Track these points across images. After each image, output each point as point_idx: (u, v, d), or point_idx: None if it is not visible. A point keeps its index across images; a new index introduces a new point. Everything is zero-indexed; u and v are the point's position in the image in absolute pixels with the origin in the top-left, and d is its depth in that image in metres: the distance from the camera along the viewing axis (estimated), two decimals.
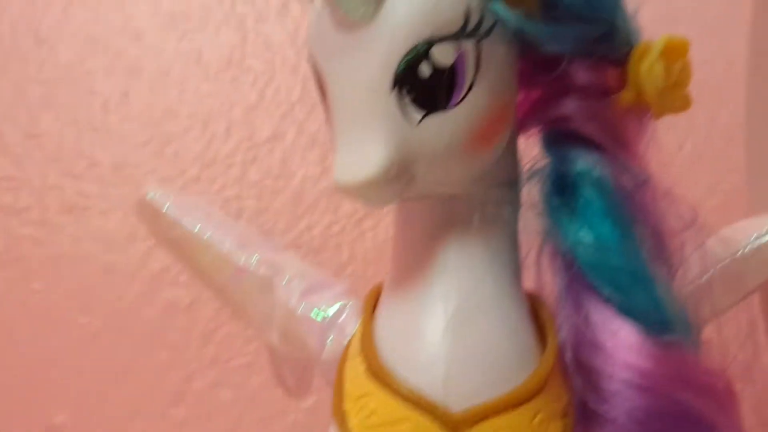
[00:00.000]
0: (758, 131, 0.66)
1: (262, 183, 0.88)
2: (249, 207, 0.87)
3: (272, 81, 0.89)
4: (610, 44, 0.43)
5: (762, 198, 0.65)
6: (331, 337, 0.47)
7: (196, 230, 0.51)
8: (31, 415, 0.86)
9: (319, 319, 0.48)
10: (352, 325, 0.46)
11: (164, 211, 0.52)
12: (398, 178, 0.39)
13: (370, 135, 0.38)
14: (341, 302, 0.48)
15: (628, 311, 0.41)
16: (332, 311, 0.48)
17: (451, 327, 0.41)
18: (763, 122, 0.66)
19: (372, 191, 0.39)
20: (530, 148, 0.45)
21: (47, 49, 0.89)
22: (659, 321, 0.41)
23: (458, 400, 0.40)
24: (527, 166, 0.44)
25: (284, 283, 0.49)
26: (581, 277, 0.42)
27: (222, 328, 0.85)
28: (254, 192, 0.88)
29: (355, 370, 0.43)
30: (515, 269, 0.44)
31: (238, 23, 0.90)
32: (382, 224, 0.85)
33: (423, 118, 0.39)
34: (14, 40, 0.89)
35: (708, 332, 0.45)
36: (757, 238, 0.50)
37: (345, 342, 0.46)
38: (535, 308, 0.44)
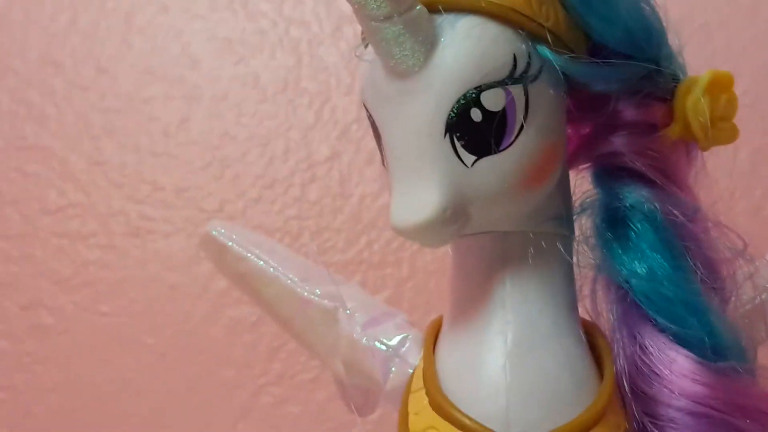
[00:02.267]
0: None
1: (321, 202, 0.89)
2: (309, 226, 0.89)
3: (328, 102, 0.90)
4: (656, 81, 0.44)
5: None
6: (393, 368, 0.48)
7: (260, 264, 0.53)
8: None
9: (382, 349, 0.49)
10: (413, 356, 0.48)
11: (229, 245, 0.53)
12: (454, 219, 0.40)
13: (425, 179, 0.40)
14: (403, 333, 0.49)
15: (682, 340, 0.43)
16: (394, 342, 0.49)
17: (511, 360, 0.42)
18: None
19: (429, 233, 0.40)
20: (581, 183, 0.46)
21: (108, 79, 0.91)
22: (713, 348, 0.42)
23: (520, 430, 0.42)
24: (578, 201, 0.45)
25: (347, 314, 0.50)
26: (636, 307, 0.43)
27: (287, 344, 0.87)
28: (314, 211, 0.89)
29: (419, 403, 0.44)
30: (571, 301, 0.45)
31: (292, 46, 0.91)
32: None
33: (476, 161, 0.40)
34: (76, 70, 0.91)
35: (762, 357, 0.46)
36: None
37: (408, 372, 0.47)
38: (591, 338, 0.45)
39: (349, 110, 0.90)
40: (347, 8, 0.85)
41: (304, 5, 0.92)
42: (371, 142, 0.87)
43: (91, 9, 0.92)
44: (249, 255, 0.53)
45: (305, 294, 0.52)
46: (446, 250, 0.84)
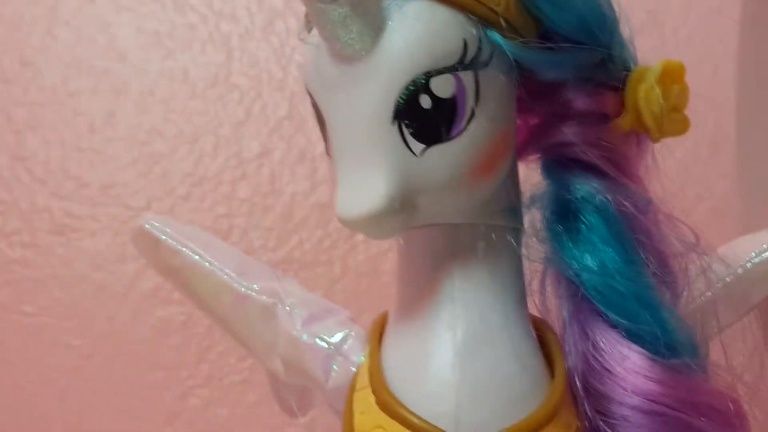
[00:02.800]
0: (749, 136, 0.67)
1: (251, 200, 0.88)
2: (239, 224, 0.87)
3: (259, 98, 0.89)
4: (608, 70, 0.43)
5: (754, 204, 0.66)
6: (335, 365, 0.47)
7: (196, 258, 0.51)
8: None
9: (323, 346, 0.47)
10: (356, 354, 0.46)
11: (163, 239, 0.52)
12: (402, 209, 0.39)
13: (372, 168, 0.38)
14: (344, 330, 0.48)
15: (635, 336, 0.42)
16: (336, 339, 0.48)
17: (460, 357, 0.41)
18: (754, 127, 0.66)
19: (376, 224, 0.39)
20: (530, 174, 0.45)
21: (32, 72, 0.89)
22: (666, 344, 0.42)
23: (470, 430, 0.40)
24: (528, 193, 0.44)
25: (287, 310, 0.49)
26: (587, 302, 0.42)
27: (216, 345, 0.85)
28: (244, 209, 0.87)
29: (365, 401, 0.43)
30: (521, 296, 0.44)
31: (222, 41, 0.89)
32: None
33: (425, 150, 0.39)
34: None
35: (714, 353, 0.45)
36: (756, 255, 0.50)
37: (351, 370, 0.46)
38: (541, 334, 0.44)
39: (280, 106, 0.89)
40: (279, 3, 0.85)
41: (235, 0, 0.90)
42: (302, 139, 0.86)
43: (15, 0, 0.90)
44: (183, 249, 0.51)
45: (242, 289, 0.50)
46: (378, 250, 0.84)
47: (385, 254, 0.85)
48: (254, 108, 0.89)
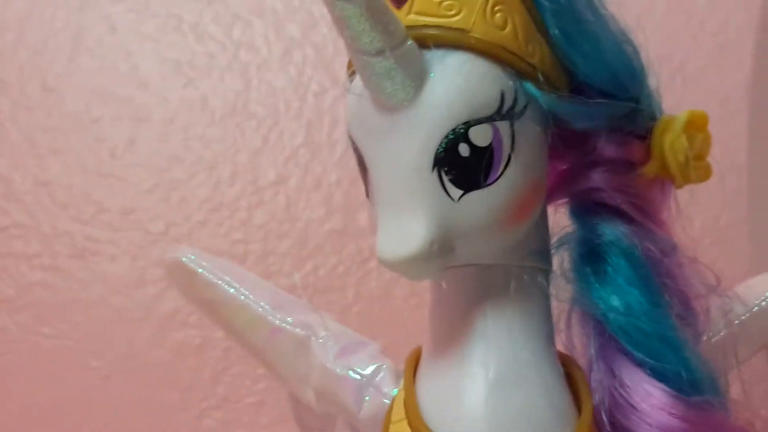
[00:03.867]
0: (759, 170, 0.68)
1: (267, 226, 0.89)
2: (255, 250, 0.89)
3: (276, 126, 0.90)
4: (636, 120, 0.45)
5: (763, 233, 0.67)
6: (367, 397, 0.49)
7: (231, 291, 0.53)
8: None
9: (356, 378, 0.49)
10: (388, 386, 0.48)
11: (199, 272, 0.53)
12: (440, 252, 0.40)
13: (412, 213, 0.40)
14: (376, 363, 0.50)
15: (659, 374, 0.43)
16: (368, 371, 0.49)
17: (492, 393, 0.43)
18: (764, 158, 0.68)
19: (416, 266, 0.40)
20: (559, 218, 0.47)
21: (55, 98, 0.90)
22: (689, 382, 0.43)
23: None
24: (556, 236, 0.46)
25: (320, 343, 0.51)
26: (613, 341, 0.44)
27: (231, 367, 0.86)
28: (260, 235, 0.89)
29: None
30: (550, 334, 0.46)
31: (241, 70, 0.91)
32: None
33: (462, 196, 0.40)
34: (22, 88, 0.90)
35: (733, 389, 0.47)
36: None
37: (382, 401, 0.48)
38: (568, 370, 0.46)
39: (297, 134, 0.90)
40: (297, 33, 0.87)
41: (254, 29, 0.92)
42: (319, 167, 0.88)
43: (39, 27, 0.91)
44: (219, 282, 0.53)
45: (277, 322, 0.52)
46: (391, 277, 0.86)
47: (397, 281, 0.87)
48: (271, 136, 0.90)
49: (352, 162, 0.44)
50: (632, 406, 0.43)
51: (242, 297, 0.53)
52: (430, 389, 0.45)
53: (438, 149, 0.40)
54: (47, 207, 0.89)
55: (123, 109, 0.90)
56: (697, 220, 0.83)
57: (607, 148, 0.45)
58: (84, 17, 0.92)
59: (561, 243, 0.46)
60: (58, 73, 0.91)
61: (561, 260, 0.46)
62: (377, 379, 0.49)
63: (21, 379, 0.87)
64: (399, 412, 0.45)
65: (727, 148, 0.75)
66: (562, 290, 0.46)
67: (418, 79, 0.40)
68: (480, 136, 0.40)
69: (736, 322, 0.50)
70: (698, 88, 0.86)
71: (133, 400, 0.87)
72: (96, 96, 0.90)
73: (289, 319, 0.52)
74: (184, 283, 0.54)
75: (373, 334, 0.79)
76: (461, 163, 0.40)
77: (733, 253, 0.68)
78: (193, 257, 0.54)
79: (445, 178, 0.40)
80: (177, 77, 0.91)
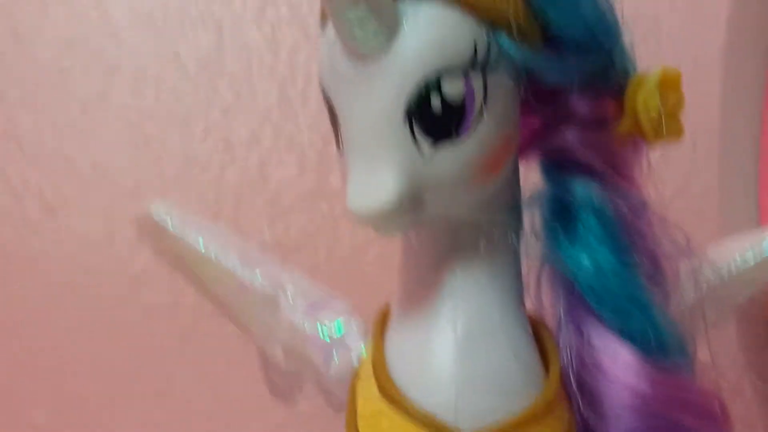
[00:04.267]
0: (731, 133, 0.68)
1: (239, 184, 0.88)
2: (226, 209, 0.88)
3: (249, 83, 0.89)
4: (609, 75, 0.44)
5: (733, 199, 0.67)
6: (336, 354, 0.48)
7: (200, 246, 0.52)
8: (10, 415, 0.87)
9: (324, 336, 0.49)
10: (356, 343, 0.48)
11: (168, 227, 0.53)
12: (410, 206, 0.40)
13: (383, 165, 0.40)
14: (345, 320, 0.49)
15: (627, 335, 0.43)
16: (337, 329, 0.49)
17: (460, 350, 0.43)
18: (737, 122, 0.67)
19: (386, 219, 0.40)
20: (530, 175, 0.47)
21: (23, 47, 0.89)
22: (657, 344, 0.43)
23: (468, 421, 0.42)
24: (527, 193, 0.46)
25: (288, 299, 0.50)
26: (582, 300, 0.44)
27: (203, 328, 0.86)
28: (232, 193, 0.88)
29: (368, 390, 0.44)
30: (519, 292, 0.45)
31: (215, 24, 0.90)
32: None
33: (434, 148, 0.40)
34: None
35: (700, 352, 0.47)
36: (741, 258, 0.52)
37: (350, 358, 0.48)
38: (536, 330, 0.46)
39: (270, 93, 0.89)
40: None
41: None
42: (292, 126, 0.87)
43: None
44: (189, 237, 0.52)
45: (246, 278, 0.52)
46: (364, 238, 0.86)
47: (369, 241, 0.86)
48: (243, 92, 0.89)
49: (326, 122, 0.43)
50: (599, 367, 0.43)
51: (212, 253, 0.52)
52: (398, 346, 0.45)
53: (410, 99, 0.39)
54: (16, 162, 0.88)
55: (93, 60, 0.89)
56: (669, 182, 0.83)
57: (580, 105, 0.44)
58: None
59: (532, 200, 0.45)
60: (28, 22, 0.89)
61: (532, 218, 0.45)
62: (346, 337, 0.49)
63: None
64: (367, 369, 0.45)
65: (699, 110, 0.75)
66: (532, 248, 0.45)
67: (391, 28, 0.39)
68: (452, 86, 0.40)
69: (706, 285, 0.49)
70: (673, 48, 0.85)
71: (102, 360, 0.87)
72: (66, 46, 0.89)
73: (258, 275, 0.51)
74: (154, 238, 0.54)
75: (344, 294, 0.79)
76: (432, 114, 0.40)
77: (704, 217, 0.67)
78: (163, 212, 0.53)
79: (417, 129, 0.40)
80: (148, 28, 0.90)
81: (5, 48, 0.90)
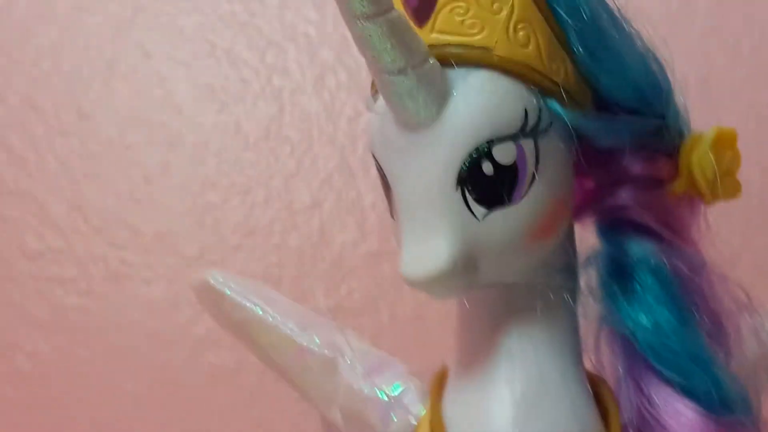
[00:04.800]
0: None
1: (301, 249, 0.89)
2: (289, 274, 0.89)
3: (310, 150, 0.90)
4: (663, 136, 0.44)
5: None
6: (394, 416, 0.48)
7: (259, 313, 0.52)
8: None
9: (383, 399, 0.49)
10: (415, 405, 0.48)
11: (227, 293, 0.53)
12: (464, 271, 0.40)
13: (436, 231, 0.40)
14: (404, 382, 0.49)
15: (689, 392, 0.43)
16: (396, 391, 0.49)
17: (519, 412, 0.42)
18: None
19: (440, 284, 0.40)
20: (586, 235, 0.47)
21: (89, 124, 0.91)
22: (720, 401, 0.43)
23: None
24: (584, 254, 0.46)
25: (347, 363, 0.50)
26: (642, 360, 0.43)
27: (266, 391, 0.86)
28: (294, 259, 0.89)
29: None
30: (577, 353, 0.45)
31: (274, 95, 0.91)
32: None
33: (487, 214, 0.40)
34: (57, 114, 0.91)
35: (765, 410, 0.46)
36: None
37: (409, 421, 0.47)
38: (596, 389, 0.45)
39: (330, 159, 0.90)
40: (330, 57, 0.87)
41: (287, 54, 0.92)
42: (352, 191, 0.88)
43: (74, 54, 0.92)
44: (247, 303, 0.53)
45: (304, 343, 0.52)
46: (425, 298, 0.85)
47: (431, 303, 0.86)
48: (305, 160, 0.90)
49: None
50: (662, 424, 0.43)
51: (270, 318, 0.52)
52: (456, 409, 0.44)
53: (461, 168, 0.40)
54: (82, 232, 0.89)
55: (157, 134, 0.91)
56: (736, 237, 0.83)
57: (634, 166, 0.44)
58: (118, 44, 0.92)
59: (588, 261, 0.45)
60: (93, 100, 0.91)
61: (589, 278, 0.45)
62: (404, 399, 0.49)
63: (56, 404, 0.87)
64: None
65: (764, 166, 0.74)
66: (589, 309, 0.45)
67: (441, 97, 0.40)
68: (503, 154, 0.40)
69: None
70: (734, 107, 0.85)
71: (167, 425, 0.87)
72: (130, 121, 0.91)
73: (316, 339, 0.52)
74: (213, 305, 0.54)
75: (407, 357, 0.79)
76: (485, 182, 0.40)
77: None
78: (221, 279, 0.53)
79: (469, 197, 0.40)
80: (210, 102, 0.92)
81: (71, 124, 0.92)
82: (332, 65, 0.91)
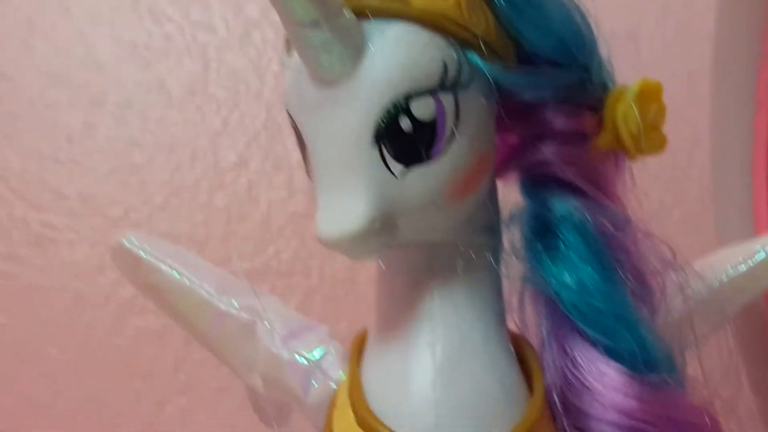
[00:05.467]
0: (722, 144, 0.67)
1: (228, 209, 0.88)
2: (216, 233, 0.87)
3: (236, 108, 0.89)
4: (586, 90, 0.43)
5: (726, 210, 0.66)
6: (315, 382, 0.47)
7: (175, 276, 0.51)
8: None
9: (303, 363, 0.48)
10: (335, 370, 0.47)
11: (142, 256, 0.51)
12: (382, 230, 0.39)
13: (352, 190, 0.38)
14: (324, 346, 0.48)
15: (613, 352, 0.42)
16: (315, 355, 0.48)
17: (440, 374, 0.41)
18: (727, 133, 0.66)
19: (357, 245, 0.39)
20: (510, 193, 0.45)
21: (9, 84, 0.89)
22: (644, 361, 0.42)
23: None
24: (507, 211, 0.45)
25: (266, 327, 0.49)
26: (566, 320, 0.43)
27: (193, 353, 0.85)
28: (221, 218, 0.87)
29: (345, 420, 0.43)
30: (500, 314, 0.44)
31: (200, 51, 0.89)
32: None
33: (405, 171, 0.39)
34: None
35: (691, 369, 0.45)
36: (732, 269, 0.51)
37: (330, 386, 0.46)
38: (520, 350, 0.45)
39: (257, 116, 0.89)
40: (255, 13, 0.85)
41: (212, 9, 0.90)
42: (280, 149, 0.86)
43: None
44: (163, 267, 0.51)
45: (222, 306, 0.50)
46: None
47: (362, 263, 0.85)
48: (231, 118, 0.88)
49: None
50: (585, 386, 0.42)
51: (186, 281, 0.51)
52: (376, 373, 0.43)
53: (378, 123, 0.38)
54: (2, 194, 0.87)
55: (79, 93, 0.88)
56: (668, 194, 0.82)
57: (557, 120, 0.43)
58: (37, 1, 0.89)
59: (512, 219, 0.44)
60: (11, 59, 0.89)
61: (512, 237, 0.44)
62: (325, 363, 0.47)
63: None
64: (343, 397, 0.44)
65: (692, 123, 0.74)
66: (513, 268, 0.44)
67: (356, 51, 0.38)
68: (422, 109, 0.38)
69: (695, 298, 0.48)
70: (664, 61, 0.85)
71: (93, 388, 0.85)
72: (51, 81, 0.89)
73: (234, 303, 0.50)
74: (129, 269, 0.53)
75: (338, 317, 0.78)
76: (403, 138, 0.38)
77: (699, 229, 0.66)
78: (136, 241, 0.52)
79: (387, 154, 0.39)
80: (133, 60, 0.89)
81: None
82: (258, 21, 0.90)
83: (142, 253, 0.52)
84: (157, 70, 0.89)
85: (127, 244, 0.52)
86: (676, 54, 0.85)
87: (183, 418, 0.86)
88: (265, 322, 0.49)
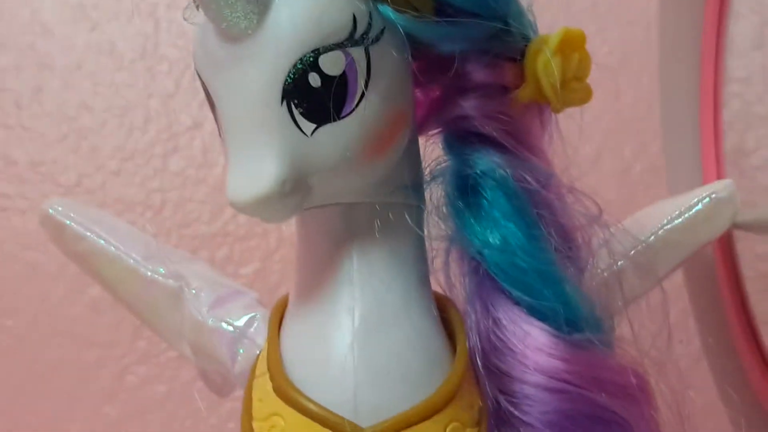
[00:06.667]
0: (671, 97, 0.66)
1: (184, 173, 0.86)
2: (172, 198, 0.86)
3: (188, 69, 0.87)
4: (505, 40, 0.42)
5: (678, 171, 0.65)
6: (241, 349, 0.46)
7: (101, 243, 0.50)
8: None
9: (229, 330, 0.46)
10: (263, 336, 0.45)
11: (67, 224, 0.50)
12: (294, 192, 0.37)
13: (262, 150, 0.37)
14: (250, 313, 0.47)
15: (537, 312, 0.41)
16: (241, 322, 0.47)
17: (358, 339, 0.40)
18: (675, 96, 0.65)
19: (268, 207, 0.37)
20: (432, 150, 0.44)
21: None
22: (569, 320, 0.41)
23: (368, 415, 0.40)
24: (429, 169, 0.43)
25: (192, 294, 0.48)
26: (489, 279, 0.41)
27: None
28: (177, 182, 0.86)
29: (263, 388, 0.42)
30: (422, 274, 0.43)
31: (149, 11, 0.87)
32: None
33: (315, 130, 0.37)
34: None
35: (620, 328, 0.44)
36: (661, 227, 0.50)
37: (256, 353, 0.45)
38: (444, 312, 0.43)
39: None
40: None
41: None
42: None
43: None
44: (88, 234, 0.50)
45: (148, 273, 0.49)
46: None
47: None
48: (183, 80, 0.87)
49: None
50: (509, 347, 0.41)
51: (112, 248, 0.50)
52: (295, 340, 0.42)
53: (286, 80, 0.37)
54: None
55: (26, 57, 0.87)
56: (627, 146, 0.81)
57: (477, 72, 0.42)
58: None
59: (434, 177, 0.43)
60: None
61: (434, 195, 0.43)
62: (251, 330, 0.47)
63: None
64: (262, 366, 0.43)
65: (638, 80, 0.73)
66: (435, 227, 0.42)
67: (261, 5, 0.37)
68: (331, 64, 0.37)
69: (625, 256, 0.47)
70: (597, 13, 0.83)
71: (51, 360, 0.84)
72: None
73: (161, 269, 0.49)
74: (56, 237, 0.52)
75: None
76: (312, 95, 0.37)
77: (653, 187, 0.65)
78: (61, 208, 0.50)
79: (296, 112, 0.37)
80: (82, 21, 0.88)
81: None
82: None
83: (67, 221, 0.51)
84: (105, 32, 0.87)
85: (52, 212, 0.51)
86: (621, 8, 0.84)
87: (143, 387, 0.85)
88: (192, 289, 0.48)
